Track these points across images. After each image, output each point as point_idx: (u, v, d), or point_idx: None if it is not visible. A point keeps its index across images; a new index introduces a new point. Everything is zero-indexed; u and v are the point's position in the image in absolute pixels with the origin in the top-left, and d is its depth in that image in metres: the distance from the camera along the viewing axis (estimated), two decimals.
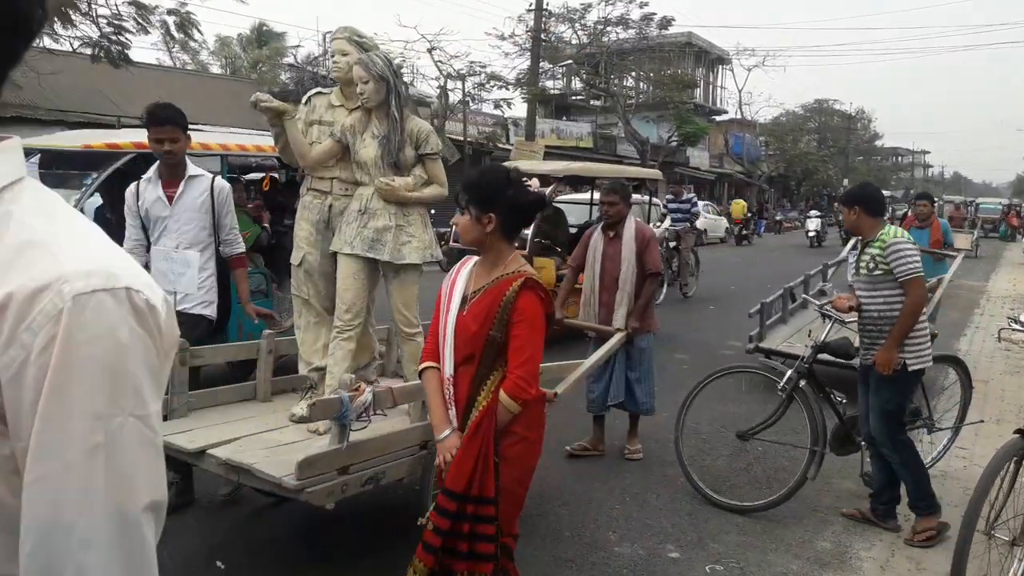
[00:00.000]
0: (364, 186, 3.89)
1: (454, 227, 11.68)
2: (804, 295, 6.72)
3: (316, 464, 2.99)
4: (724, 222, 28.83)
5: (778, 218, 37.02)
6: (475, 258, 2.81)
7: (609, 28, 27.33)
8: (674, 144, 32.25)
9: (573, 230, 10.18)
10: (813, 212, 30.56)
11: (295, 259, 4.06)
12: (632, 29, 27.66)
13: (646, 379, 5.14)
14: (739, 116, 41.36)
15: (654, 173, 11.53)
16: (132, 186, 4.19)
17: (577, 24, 27.47)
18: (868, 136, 59.77)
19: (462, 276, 2.78)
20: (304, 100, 4.16)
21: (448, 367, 2.72)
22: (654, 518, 4.33)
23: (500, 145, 26.42)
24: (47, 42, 13.34)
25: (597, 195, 11.09)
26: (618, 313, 4.99)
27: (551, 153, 23.23)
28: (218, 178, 4.29)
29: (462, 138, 25.38)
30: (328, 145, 3.93)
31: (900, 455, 4.14)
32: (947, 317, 11.73)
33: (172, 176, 4.11)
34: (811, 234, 27.03)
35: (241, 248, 4.36)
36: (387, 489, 3.59)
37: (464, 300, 2.71)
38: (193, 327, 3.97)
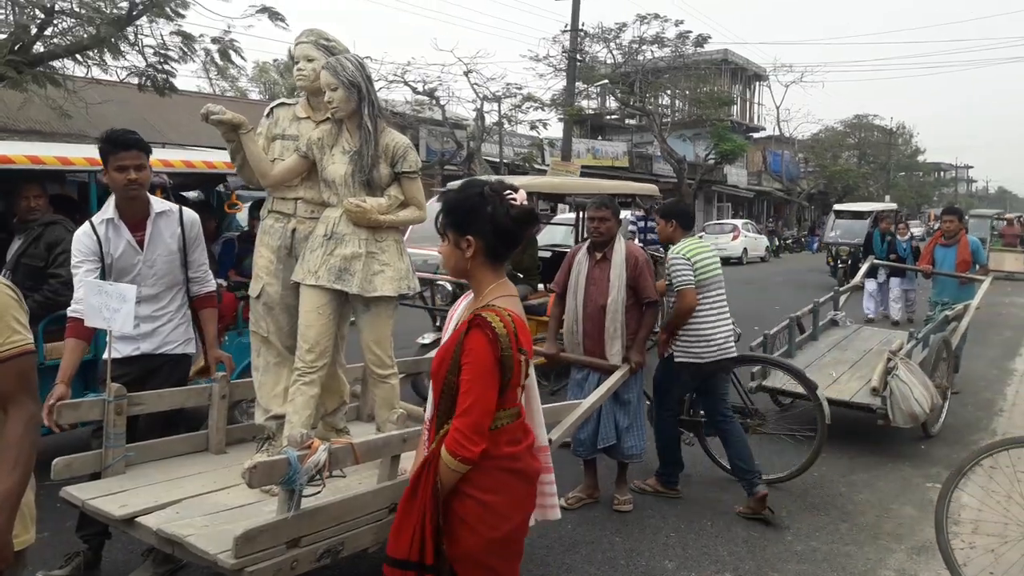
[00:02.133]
0: (332, 208, 3.47)
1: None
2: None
3: (258, 539, 2.55)
4: (764, 241, 28.45)
5: (819, 235, 36.47)
6: None
7: (644, 47, 27.33)
8: (711, 162, 32.01)
9: (547, 254, 9.01)
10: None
11: (253, 291, 3.63)
12: (668, 47, 27.62)
13: (636, 421, 4.61)
14: (777, 133, 40.99)
15: (648, 188, 9.59)
16: (86, 228, 3.49)
17: (612, 44, 27.53)
18: (909, 151, 58.80)
19: (459, 309, 2.47)
20: (266, 112, 3.74)
21: (429, 410, 2.41)
22: (711, 545, 4.20)
23: (536, 165, 26.49)
24: (96, 72, 13.71)
25: (571, 215, 9.69)
26: (612, 346, 4.47)
27: (587, 172, 23.14)
28: (187, 209, 3.75)
29: (498, 159, 25.53)
30: (292, 162, 3.51)
31: (656, 428, 4.89)
32: (1000, 336, 11.42)
33: (136, 214, 3.51)
34: None
35: (212, 287, 3.83)
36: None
37: None
38: (176, 368, 3.68)
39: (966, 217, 16.93)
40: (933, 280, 8.13)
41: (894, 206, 23.48)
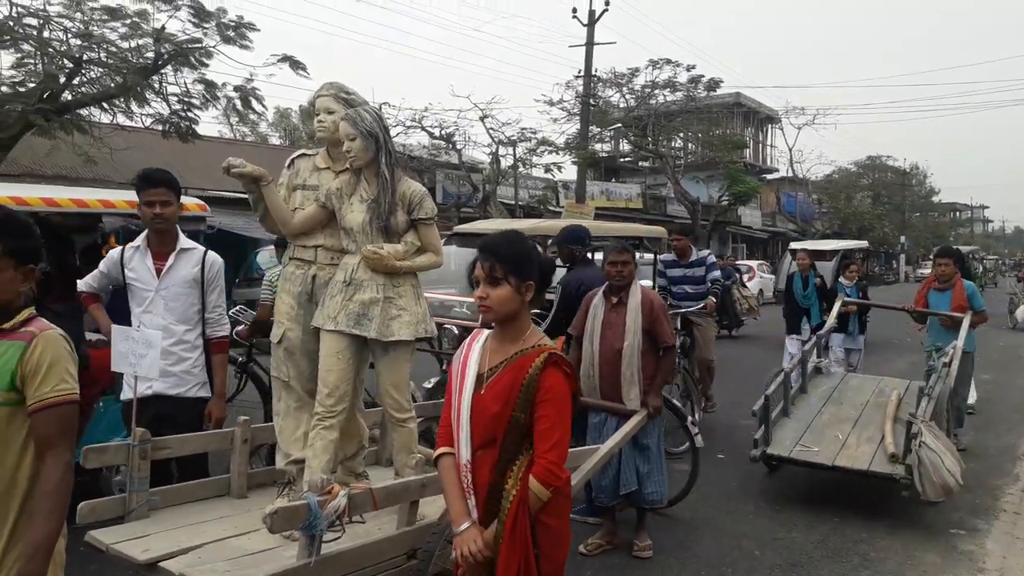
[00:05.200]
0: (351, 255, 3.55)
1: None
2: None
3: None
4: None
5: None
6: (486, 332, 2.59)
7: (657, 91, 27.67)
8: (725, 203, 32.13)
9: (549, 296, 8.70)
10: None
11: (275, 336, 3.67)
12: (680, 91, 27.95)
13: (656, 467, 4.59)
14: (790, 174, 41.10)
15: (656, 230, 9.08)
16: (117, 250, 3.94)
17: (625, 88, 27.89)
18: (924, 192, 58.83)
19: (475, 352, 2.55)
20: (287, 163, 3.83)
21: (465, 452, 2.47)
22: None
23: (551, 208, 26.70)
24: (121, 119, 14.04)
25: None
26: (630, 392, 4.47)
27: (601, 214, 23.34)
28: (210, 252, 3.98)
29: (513, 202, 25.76)
30: (312, 211, 3.61)
31: None
32: None
33: (162, 246, 3.85)
34: None
35: (226, 331, 4.00)
36: None
37: (480, 378, 2.48)
38: (190, 411, 3.82)
39: (978, 258, 13.14)
40: (929, 326, 7.38)
41: (864, 244, 20.63)
